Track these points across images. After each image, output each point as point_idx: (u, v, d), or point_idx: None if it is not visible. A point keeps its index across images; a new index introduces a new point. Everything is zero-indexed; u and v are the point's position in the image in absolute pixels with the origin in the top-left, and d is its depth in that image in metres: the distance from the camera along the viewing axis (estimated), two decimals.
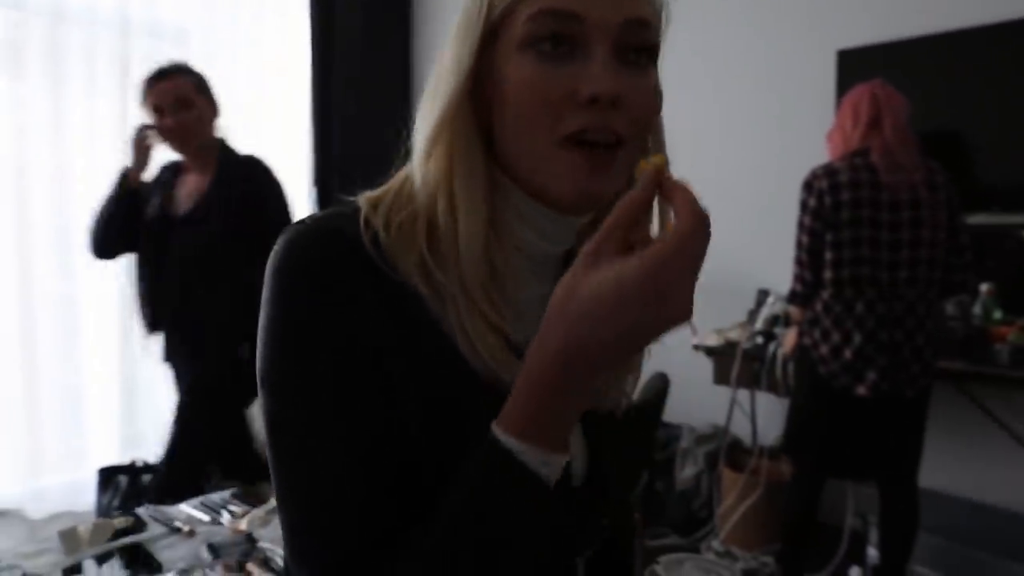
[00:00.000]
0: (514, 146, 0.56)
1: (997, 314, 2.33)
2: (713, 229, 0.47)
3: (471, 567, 0.48)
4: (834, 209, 1.95)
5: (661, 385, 1.96)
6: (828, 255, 1.99)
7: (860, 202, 1.93)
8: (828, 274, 1.99)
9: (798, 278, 2.09)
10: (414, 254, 0.55)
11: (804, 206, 2.04)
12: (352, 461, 0.51)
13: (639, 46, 0.55)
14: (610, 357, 0.46)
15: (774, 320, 2.57)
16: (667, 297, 0.45)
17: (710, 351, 2.63)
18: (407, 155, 0.61)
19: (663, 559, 2.44)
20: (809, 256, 2.04)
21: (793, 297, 2.13)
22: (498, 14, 0.55)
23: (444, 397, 0.54)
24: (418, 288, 0.54)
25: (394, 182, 0.61)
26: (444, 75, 0.58)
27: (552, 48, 0.53)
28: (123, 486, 2.64)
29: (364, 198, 0.59)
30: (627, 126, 0.54)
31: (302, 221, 0.57)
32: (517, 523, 0.49)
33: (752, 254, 2.96)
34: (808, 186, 2.03)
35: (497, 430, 0.49)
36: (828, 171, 1.99)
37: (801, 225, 2.05)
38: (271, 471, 0.54)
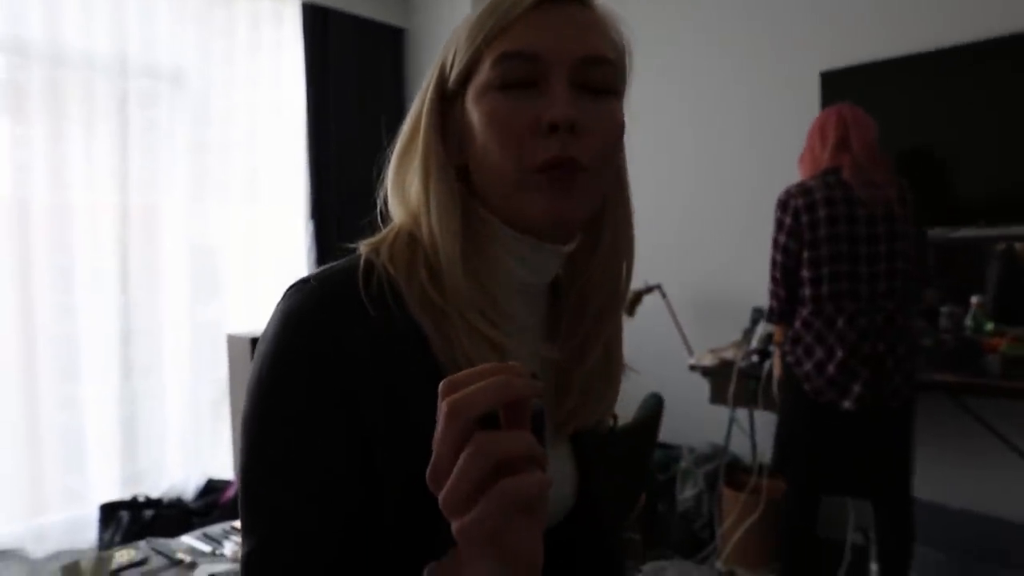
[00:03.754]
0: (488, 178, 0.60)
1: (988, 326, 2.35)
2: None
3: None
4: (811, 227, 1.99)
5: (655, 405, 1.97)
6: (806, 273, 2.02)
7: (836, 218, 1.96)
8: (807, 291, 2.02)
9: (773, 295, 2.13)
10: (416, 283, 0.58)
11: (780, 225, 2.08)
12: (317, 525, 0.53)
13: (597, 85, 0.59)
14: None
15: (769, 338, 2.58)
16: None
17: (706, 371, 2.64)
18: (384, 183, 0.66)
19: (646, 567, 2.45)
20: (783, 274, 2.08)
21: (771, 315, 2.17)
22: (465, 65, 0.60)
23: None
24: (422, 325, 0.57)
25: (394, 225, 0.64)
26: (416, 123, 0.63)
27: (514, 85, 0.57)
28: (125, 522, 2.64)
29: (365, 245, 0.62)
30: (587, 153, 0.57)
31: (302, 284, 0.59)
32: None
33: (745, 273, 2.99)
34: (783, 205, 2.07)
35: None
36: (802, 189, 2.03)
37: (776, 243, 2.09)
38: (241, 518, 0.56)
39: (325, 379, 0.54)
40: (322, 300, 0.56)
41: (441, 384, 0.41)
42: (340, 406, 0.54)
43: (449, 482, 0.39)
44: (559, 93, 0.57)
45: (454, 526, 0.40)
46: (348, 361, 0.55)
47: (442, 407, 0.40)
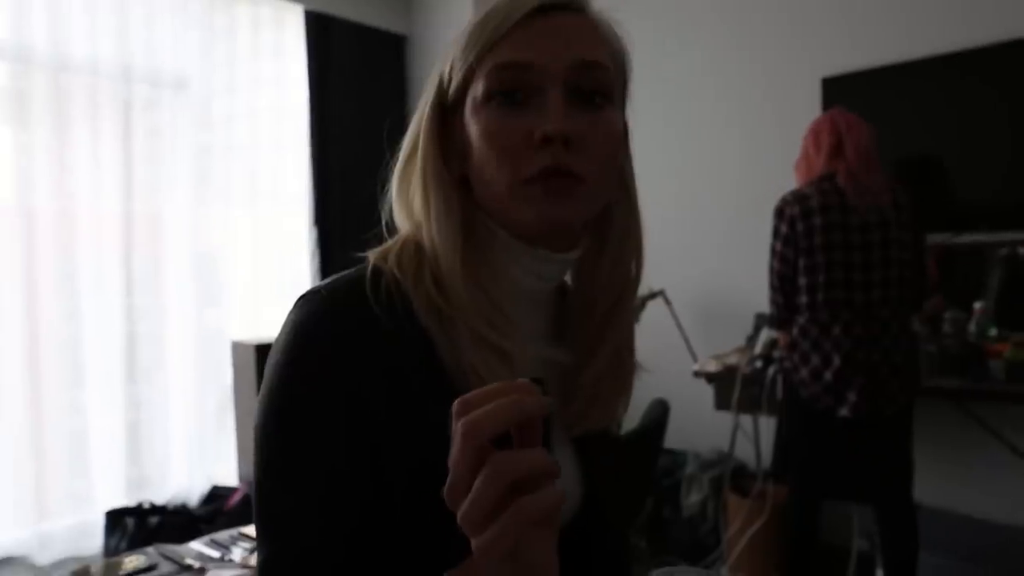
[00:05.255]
0: (486, 189, 0.61)
1: (992, 331, 2.35)
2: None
3: None
4: (807, 235, 1.99)
5: (661, 411, 1.98)
6: (802, 280, 2.03)
7: (831, 226, 1.97)
8: (803, 299, 2.03)
9: (772, 302, 2.14)
10: (422, 290, 0.59)
11: (776, 232, 2.09)
12: (329, 532, 0.54)
13: (591, 88, 0.59)
14: None
15: (772, 344, 2.59)
16: None
17: (710, 377, 2.64)
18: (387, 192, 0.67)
19: (655, 572, 2.44)
20: (780, 281, 2.09)
21: (771, 321, 2.19)
22: (461, 78, 0.61)
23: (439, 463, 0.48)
24: (430, 332, 0.58)
25: (401, 235, 0.65)
26: (416, 136, 0.64)
27: (508, 98, 0.58)
28: (131, 528, 2.64)
29: (373, 253, 0.63)
30: (585, 166, 0.58)
31: (312, 294, 0.59)
32: None
33: (748, 279, 2.99)
34: (780, 213, 2.07)
35: None
36: (798, 197, 2.04)
37: (773, 251, 2.11)
38: (256, 527, 0.57)
39: (334, 388, 0.55)
40: (332, 310, 0.57)
41: (455, 404, 0.41)
42: (349, 414, 0.55)
43: (467, 502, 0.39)
44: (553, 105, 0.57)
45: (474, 543, 0.40)
46: (357, 369, 0.55)
47: (456, 428, 0.40)
